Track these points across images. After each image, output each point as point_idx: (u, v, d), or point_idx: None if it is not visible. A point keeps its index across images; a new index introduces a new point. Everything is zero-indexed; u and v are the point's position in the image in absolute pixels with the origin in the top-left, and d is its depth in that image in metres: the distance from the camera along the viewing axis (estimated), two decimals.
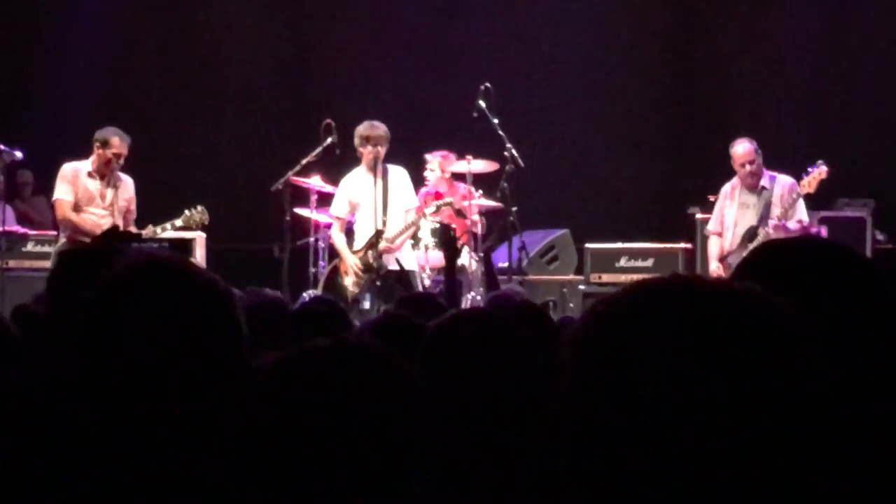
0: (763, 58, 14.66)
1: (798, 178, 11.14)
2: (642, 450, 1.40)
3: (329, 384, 2.10)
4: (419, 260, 11.83)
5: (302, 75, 15.58)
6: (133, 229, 11.32)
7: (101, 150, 11.35)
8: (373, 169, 11.67)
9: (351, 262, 11.71)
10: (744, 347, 1.41)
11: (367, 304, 11.48)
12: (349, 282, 11.80)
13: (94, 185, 11.44)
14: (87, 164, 11.46)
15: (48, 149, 13.96)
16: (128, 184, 11.63)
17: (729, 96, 14.71)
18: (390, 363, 2.17)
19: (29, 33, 15.41)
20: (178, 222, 11.47)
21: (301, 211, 12.46)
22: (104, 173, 11.42)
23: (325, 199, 12.58)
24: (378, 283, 11.54)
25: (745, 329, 1.43)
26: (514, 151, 12.01)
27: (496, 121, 12.08)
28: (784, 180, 11.19)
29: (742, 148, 11.26)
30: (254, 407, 2.09)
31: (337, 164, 12.42)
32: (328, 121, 12.35)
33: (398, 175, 11.87)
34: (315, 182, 12.32)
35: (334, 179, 12.49)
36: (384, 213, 11.71)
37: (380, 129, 11.74)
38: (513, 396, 2.93)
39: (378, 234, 11.62)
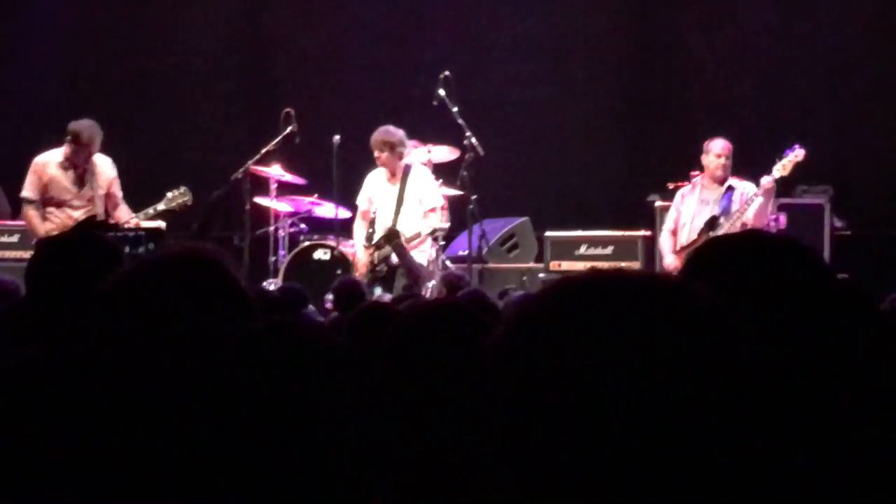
0: (722, 46, 14.69)
1: (772, 162, 11.27)
2: (562, 453, 1.39)
3: (263, 367, 2.07)
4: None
5: (262, 64, 15.52)
6: (121, 215, 11.22)
7: (71, 144, 11.11)
8: (390, 172, 11.82)
9: (359, 256, 11.80)
10: (662, 340, 1.41)
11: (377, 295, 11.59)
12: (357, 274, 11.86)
13: (68, 176, 11.23)
14: (57, 155, 11.23)
15: (4, 140, 13.91)
16: (104, 166, 11.33)
17: (688, 84, 14.74)
18: (327, 344, 2.16)
19: None
20: (161, 206, 11.16)
21: (261, 200, 12.44)
22: (76, 164, 11.20)
23: (284, 189, 12.57)
24: (381, 272, 11.62)
25: (664, 321, 1.42)
26: (474, 140, 12.02)
27: (456, 109, 12.09)
28: (745, 185, 11.35)
29: (721, 142, 11.52)
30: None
31: (297, 153, 12.42)
32: (288, 110, 12.36)
33: (418, 175, 11.88)
34: (275, 171, 12.32)
35: (294, 168, 12.49)
36: (396, 214, 11.74)
37: (380, 135, 11.75)
38: (477, 387, 2.92)
39: (389, 237, 11.62)
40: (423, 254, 11.77)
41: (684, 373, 1.40)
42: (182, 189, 11.22)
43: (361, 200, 12.00)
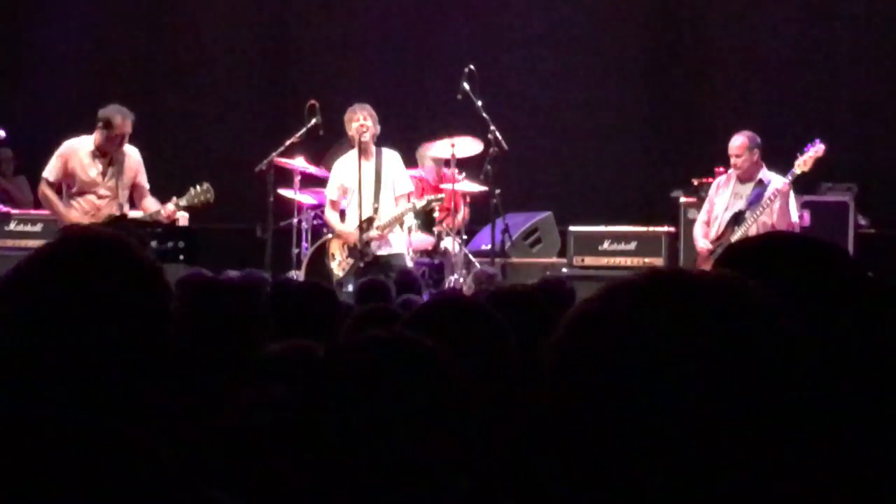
0: (746, 40, 14.65)
1: (794, 157, 11.19)
2: (633, 454, 1.39)
3: (384, 377, 2.17)
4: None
5: (287, 56, 15.54)
6: (149, 205, 11.13)
7: (103, 131, 10.89)
8: (361, 151, 11.62)
9: (347, 230, 11.69)
10: (727, 338, 1.40)
11: (350, 288, 11.48)
12: (335, 265, 11.83)
13: (96, 166, 11.02)
14: (89, 143, 10.99)
15: (30, 127, 13.94)
16: (132, 156, 11.13)
17: (712, 80, 14.70)
18: (443, 360, 2.20)
19: (11, 11, 15.36)
20: (183, 202, 11.00)
21: (284, 192, 12.45)
22: (107, 152, 10.99)
23: (308, 180, 12.58)
24: (361, 266, 11.55)
25: (727, 319, 1.42)
26: (497, 134, 12.00)
27: (480, 103, 12.07)
28: (778, 180, 11.22)
29: (736, 139, 11.37)
30: (308, 394, 2.18)
31: (321, 145, 12.42)
32: (312, 102, 12.35)
33: (391, 159, 11.85)
34: (299, 163, 12.31)
35: (318, 160, 12.50)
36: (375, 199, 11.69)
37: (357, 109, 11.70)
38: (489, 381, 2.90)
39: (369, 221, 11.59)
40: (400, 237, 11.75)
41: (752, 374, 1.40)
42: (205, 185, 11.05)
43: (332, 191, 11.86)
